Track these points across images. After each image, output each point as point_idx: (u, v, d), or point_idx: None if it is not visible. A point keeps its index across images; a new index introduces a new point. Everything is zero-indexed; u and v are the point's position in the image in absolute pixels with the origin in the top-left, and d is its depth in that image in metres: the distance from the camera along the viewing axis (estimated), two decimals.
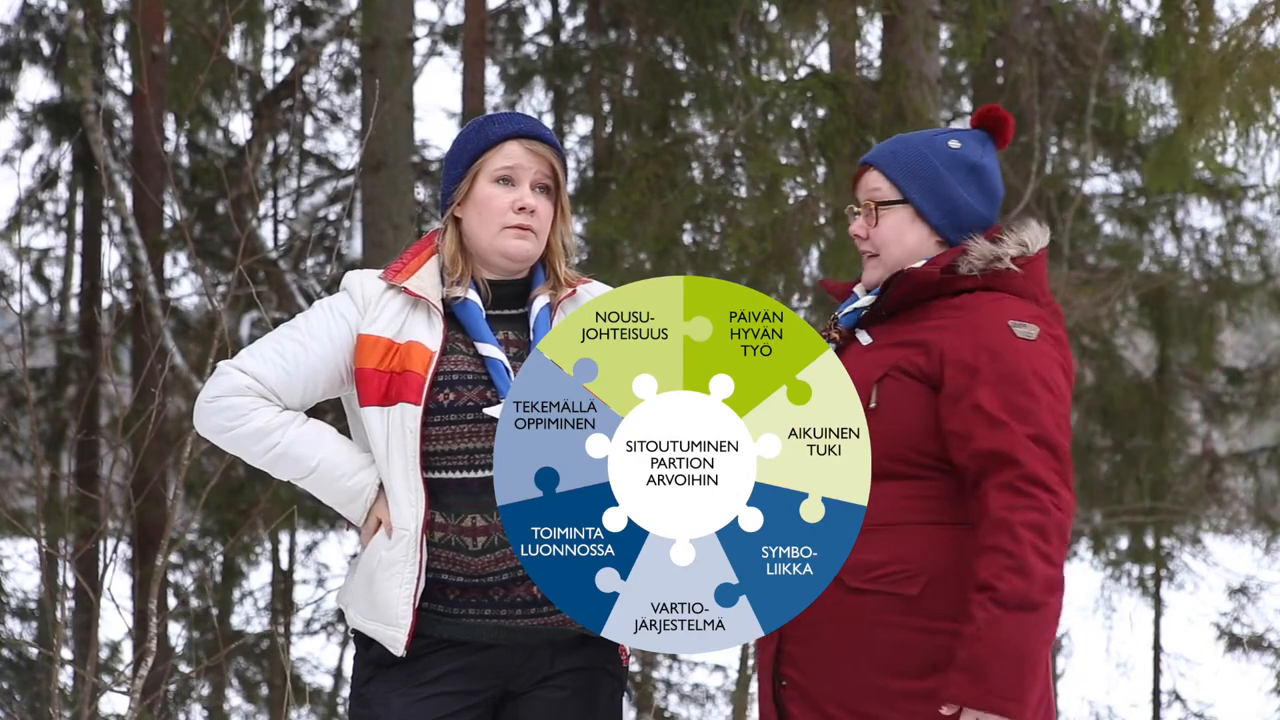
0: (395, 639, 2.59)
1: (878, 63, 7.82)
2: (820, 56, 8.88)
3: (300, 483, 2.67)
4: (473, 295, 2.65)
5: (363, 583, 2.63)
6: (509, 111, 2.77)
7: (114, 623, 8.69)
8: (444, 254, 2.68)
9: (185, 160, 10.71)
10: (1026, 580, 2.37)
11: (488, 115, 2.73)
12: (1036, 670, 2.40)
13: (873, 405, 2.49)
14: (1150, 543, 10.86)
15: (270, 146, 10.94)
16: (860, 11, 7.13)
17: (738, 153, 7.27)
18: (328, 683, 10.78)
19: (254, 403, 2.60)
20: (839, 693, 2.49)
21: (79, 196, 11.25)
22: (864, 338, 2.60)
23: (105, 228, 10.88)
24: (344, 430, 2.74)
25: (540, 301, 2.67)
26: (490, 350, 2.61)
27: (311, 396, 2.66)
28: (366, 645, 2.67)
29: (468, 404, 2.59)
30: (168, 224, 9.71)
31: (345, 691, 10.32)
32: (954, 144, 2.64)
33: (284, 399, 2.63)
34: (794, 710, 2.55)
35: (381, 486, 2.63)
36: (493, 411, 2.55)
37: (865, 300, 2.62)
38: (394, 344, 2.61)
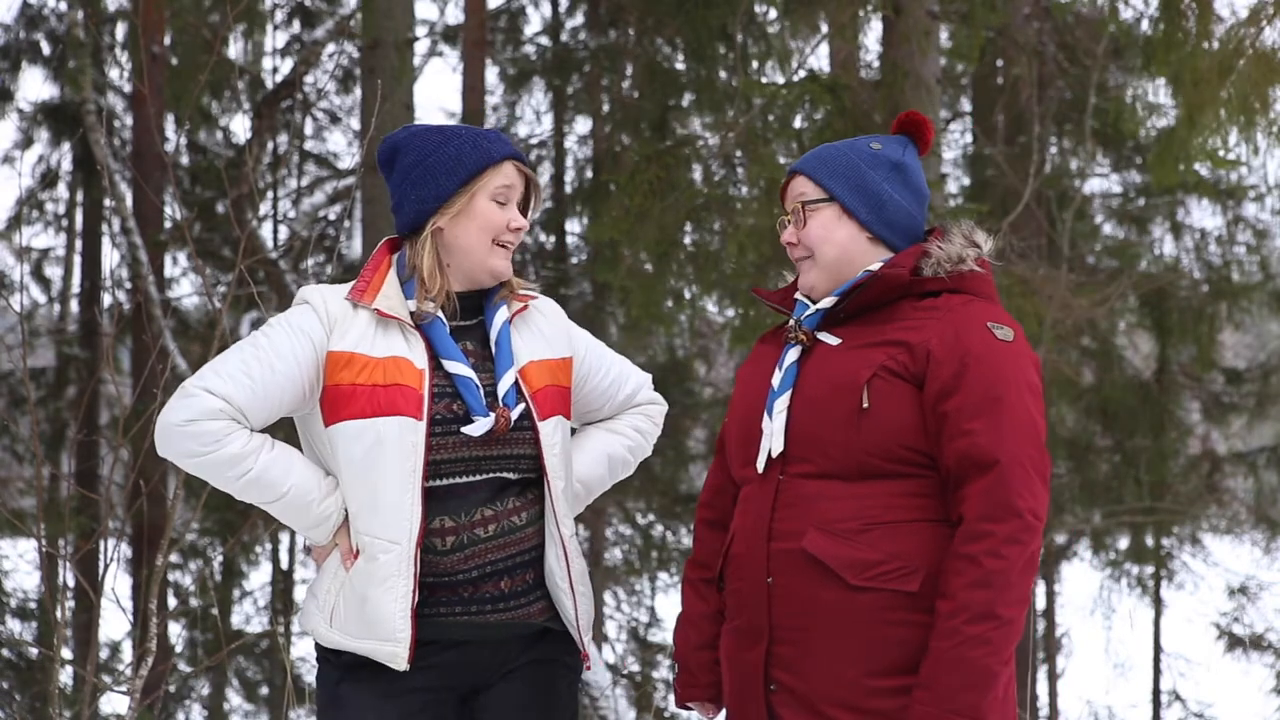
0: (395, 655, 2.58)
1: (877, 64, 7.82)
2: (820, 57, 8.89)
3: (267, 506, 2.64)
4: (438, 312, 2.67)
5: (354, 604, 2.61)
6: (495, 130, 2.80)
7: (114, 623, 8.71)
8: (422, 268, 2.67)
9: (185, 160, 10.73)
10: (995, 594, 2.39)
11: (475, 130, 2.75)
12: (995, 686, 2.42)
13: (865, 405, 2.51)
14: (1150, 543, 10.87)
15: (270, 146, 10.96)
16: (860, 13, 7.13)
17: (738, 154, 7.26)
18: None
19: (228, 427, 2.56)
20: (840, 692, 2.48)
21: (79, 196, 11.26)
22: (829, 339, 2.61)
23: (105, 228, 10.89)
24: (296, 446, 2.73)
25: (500, 316, 2.71)
26: (458, 369, 2.62)
27: (275, 415, 2.64)
28: (336, 652, 2.66)
29: (435, 417, 2.61)
30: (168, 224, 9.72)
31: None
32: (875, 145, 2.69)
33: (251, 419, 2.60)
34: (786, 715, 2.53)
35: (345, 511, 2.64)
36: (471, 430, 2.58)
37: (828, 302, 2.63)
38: (370, 359, 2.61)
